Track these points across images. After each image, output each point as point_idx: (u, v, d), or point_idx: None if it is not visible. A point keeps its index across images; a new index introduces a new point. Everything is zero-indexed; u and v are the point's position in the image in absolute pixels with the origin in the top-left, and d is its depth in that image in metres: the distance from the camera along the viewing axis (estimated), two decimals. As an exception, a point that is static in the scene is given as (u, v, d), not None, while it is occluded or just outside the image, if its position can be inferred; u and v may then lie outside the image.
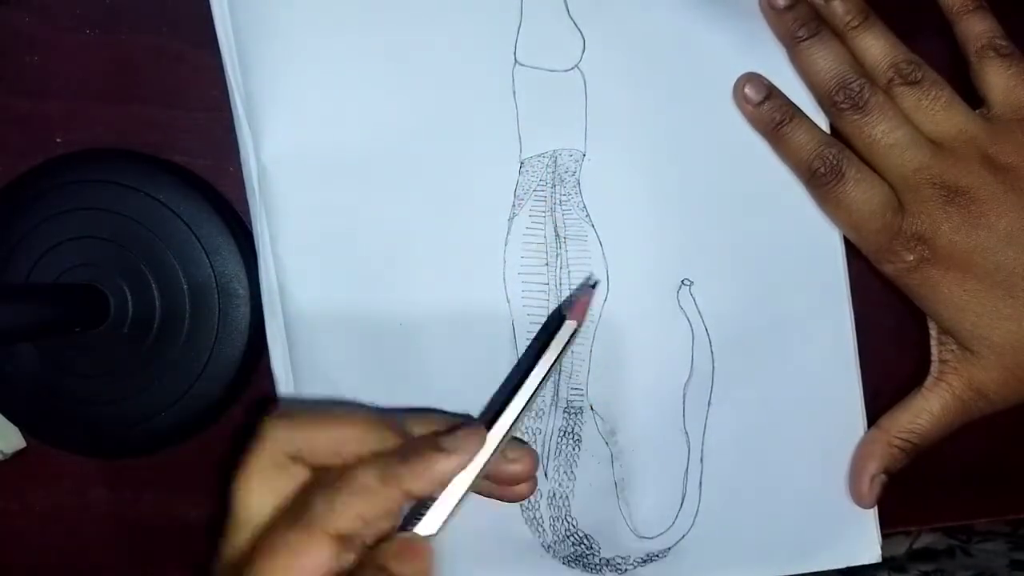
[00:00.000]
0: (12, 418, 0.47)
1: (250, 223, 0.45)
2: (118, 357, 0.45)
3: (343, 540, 0.34)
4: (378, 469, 0.34)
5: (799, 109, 0.44)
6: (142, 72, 0.47)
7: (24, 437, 0.48)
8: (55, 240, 0.45)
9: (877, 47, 0.43)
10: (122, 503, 0.49)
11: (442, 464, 0.35)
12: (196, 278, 0.45)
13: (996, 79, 0.43)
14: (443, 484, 0.35)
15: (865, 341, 0.46)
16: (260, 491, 0.36)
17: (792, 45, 0.44)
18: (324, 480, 0.35)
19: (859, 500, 0.45)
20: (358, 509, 0.34)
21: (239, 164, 0.44)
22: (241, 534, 0.35)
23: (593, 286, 0.44)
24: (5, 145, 0.47)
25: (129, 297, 0.45)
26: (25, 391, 0.46)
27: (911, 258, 0.41)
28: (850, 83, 0.42)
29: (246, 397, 0.48)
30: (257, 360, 0.47)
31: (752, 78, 0.44)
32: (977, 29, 0.43)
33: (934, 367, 0.44)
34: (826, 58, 0.43)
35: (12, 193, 0.46)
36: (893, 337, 0.47)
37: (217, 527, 0.36)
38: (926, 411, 0.44)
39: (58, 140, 0.47)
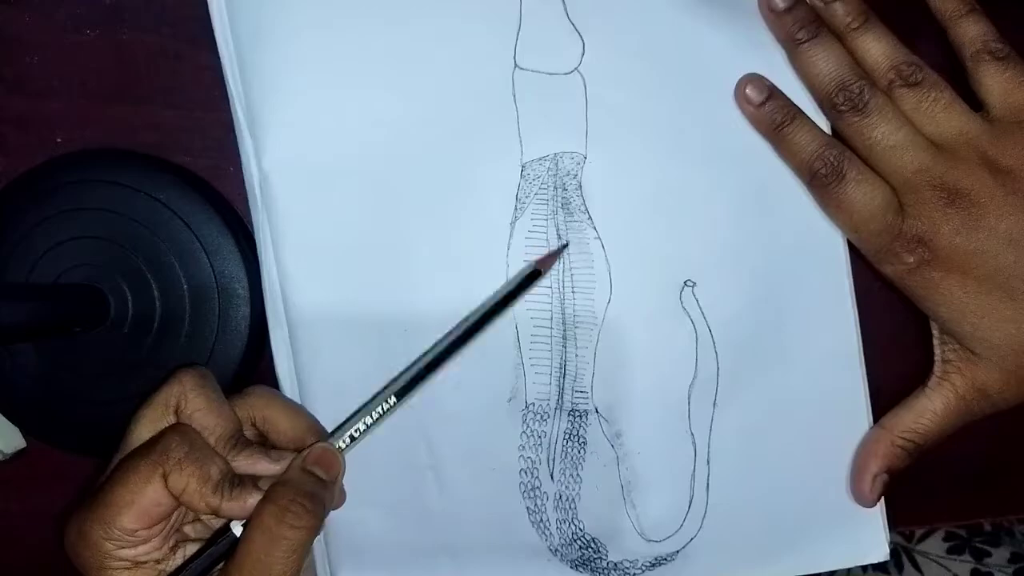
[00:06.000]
0: (12, 418, 0.47)
1: (250, 223, 0.45)
2: (118, 357, 0.45)
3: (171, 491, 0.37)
4: (224, 480, 0.37)
5: (800, 110, 0.44)
6: (142, 72, 0.47)
7: (24, 437, 0.48)
8: (55, 240, 0.45)
9: (877, 48, 0.43)
10: (122, 503, 0.49)
11: (251, 502, 0.37)
12: (196, 278, 0.45)
13: (993, 82, 0.42)
14: (246, 516, 0.37)
15: (866, 340, 0.46)
16: (150, 426, 0.39)
17: (792, 47, 0.43)
18: (189, 436, 0.38)
19: (861, 499, 0.45)
20: (196, 481, 0.36)
21: (239, 164, 0.44)
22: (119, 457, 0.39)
23: (564, 247, 0.44)
24: (5, 145, 0.47)
25: (129, 297, 0.45)
26: (25, 391, 0.46)
27: (911, 260, 0.41)
28: (850, 85, 0.42)
29: (246, 397, 0.48)
30: (257, 360, 0.47)
31: (753, 79, 0.44)
32: (971, 33, 0.43)
33: (937, 367, 0.44)
34: (826, 60, 0.43)
35: (12, 193, 0.45)
36: (894, 336, 0.48)
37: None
38: (929, 411, 0.44)
39: (58, 140, 0.47)
